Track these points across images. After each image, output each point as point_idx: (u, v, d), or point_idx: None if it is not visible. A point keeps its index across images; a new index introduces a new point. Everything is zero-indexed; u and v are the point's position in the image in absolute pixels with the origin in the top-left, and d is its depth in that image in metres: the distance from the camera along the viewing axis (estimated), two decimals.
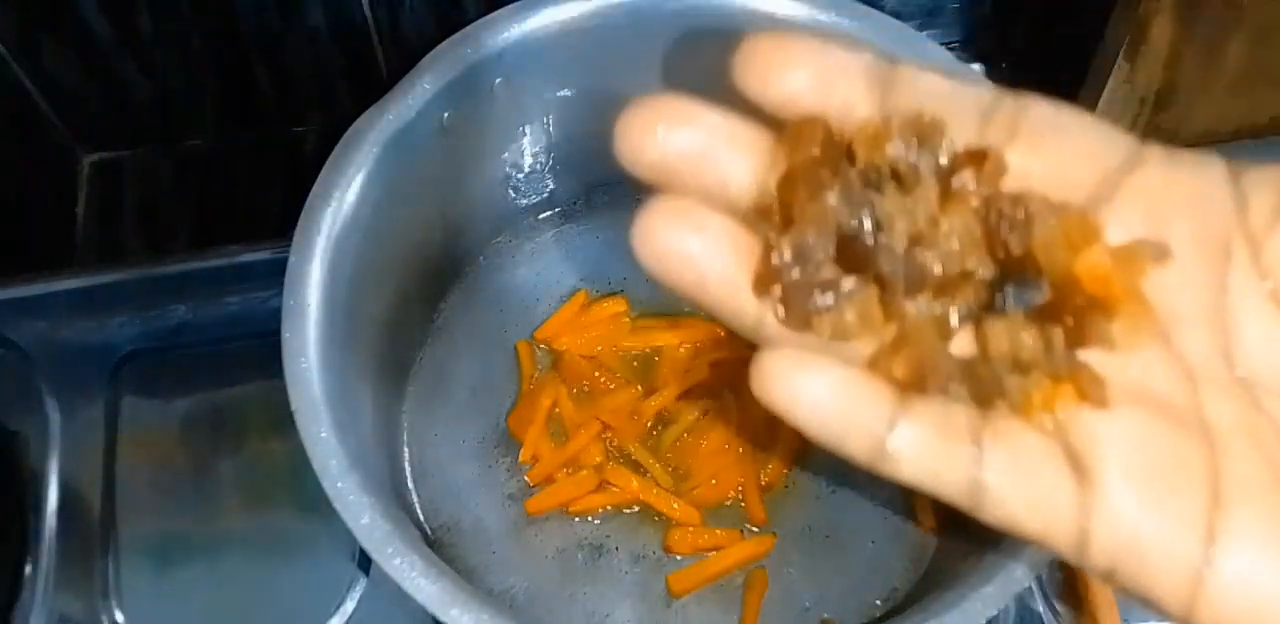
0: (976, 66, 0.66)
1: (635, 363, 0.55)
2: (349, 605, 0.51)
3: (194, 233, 0.63)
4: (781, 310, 0.26)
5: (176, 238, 0.63)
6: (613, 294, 0.57)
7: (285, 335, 0.42)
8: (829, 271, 0.26)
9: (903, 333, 0.26)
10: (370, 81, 0.62)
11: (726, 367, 0.54)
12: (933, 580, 0.49)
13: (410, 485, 0.52)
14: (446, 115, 0.48)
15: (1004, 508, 0.25)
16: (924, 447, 0.25)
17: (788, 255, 0.26)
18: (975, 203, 0.26)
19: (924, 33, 0.54)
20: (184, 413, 0.56)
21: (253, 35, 0.59)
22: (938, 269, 0.26)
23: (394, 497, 0.45)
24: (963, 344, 0.26)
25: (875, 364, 0.26)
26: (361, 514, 0.40)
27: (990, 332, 0.26)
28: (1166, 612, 0.24)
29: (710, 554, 0.51)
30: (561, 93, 0.51)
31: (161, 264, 0.58)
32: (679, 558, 0.51)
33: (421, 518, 0.52)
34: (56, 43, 0.58)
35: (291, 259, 0.44)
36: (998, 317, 0.26)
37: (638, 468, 0.53)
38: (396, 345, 0.53)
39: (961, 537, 0.49)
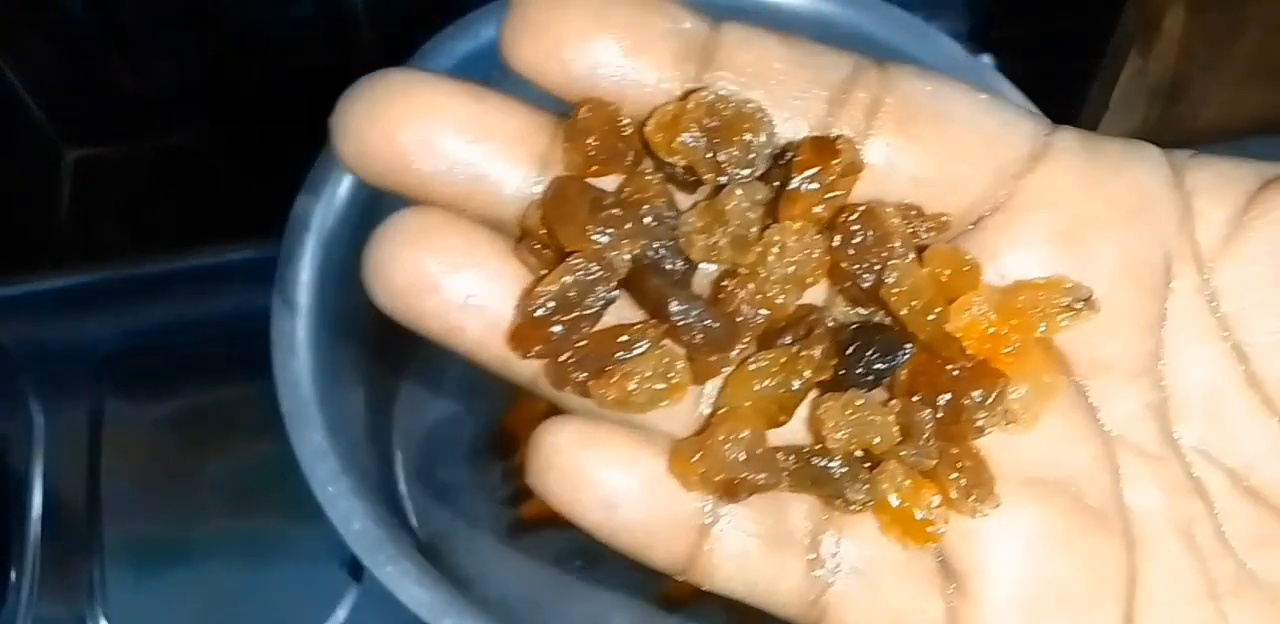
0: (985, 58, 0.65)
1: None
2: (340, 614, 0.50)
3: (180, 230, 0.63)
4: (551, 374, 0.20)
5: (161, 235, 0.63)
6: None
7: (274, 336, 0.42)
8: (611, 321, 0.20)
9: (707, 422, 0.20)
10: (362, 75, 0.61)
11: None
12: None
13: (403, 490, 0.52)
14: None
15: None
16: (747, 557, 0.20)
17: (549, 300, 0.19)
18: (820, 215, 0.19)
19: (931, 24, 0.53)
20: (170, 414, 0.56)
21: (240, 28, 0.59)
22: (756, 315, 0.20)
23: (386, 501, 0.44)
24: (799, 426, 0.20)
25: (672, 465, 0.19)
26: (352, 520, 0.39)
27: (827, 414, 0.19)
28: None
29: None
30: None
31: (146, 262, 0.57)
32: None
33: (414, 523, 0.51)
34: (39, 35, 0.57)
35: (280, 257, 0.43)
36: (840, 390, 0.20)
37: None
38: (388, 345, 0.52)
39: None
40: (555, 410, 0.56)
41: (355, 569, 0.51)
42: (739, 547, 0.20)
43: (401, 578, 0.38)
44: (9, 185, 0.63)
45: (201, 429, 0.55)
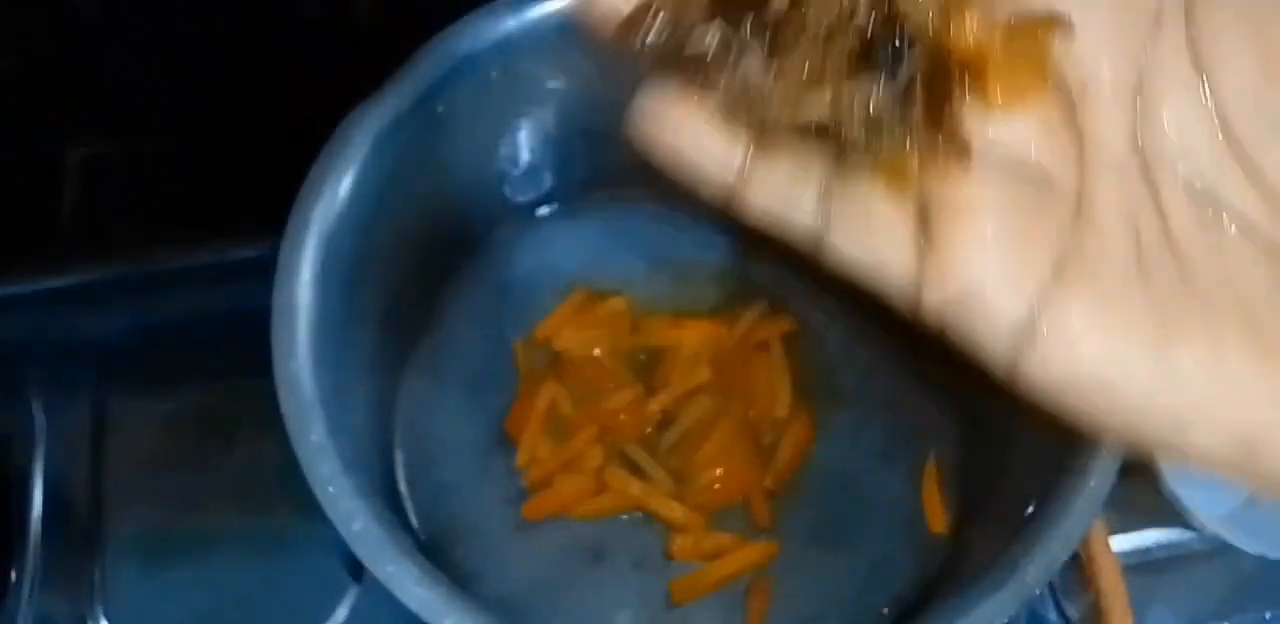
0: None
1: (636, 363, 0.54)
2: (341, 613, 0.50)
3: (183, 229, 0.62)
4: (647, 46, 0.24)
5: (165, 234, 0.62)
6: (612, 292, 0.56)
7: (275, 335, 0.42)
8: (700, 17, 0.24)
9: (771, 77, 0.24)
10: (364, 72, 0.61)
11: (730, 367, 0.54)
12: (942, 586, 0.48)
13: (403, 489, 0.52)
14: (441, 108, 0.47)
15: (842, 256, 0.25)
16: (773, 190, 0.25)
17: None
18: None
19: None
20: (172, 413, 0.56)
21: (244, 25, 0.59)
22: (812, 22, 0.24)
23: (386, 501, 0.44)
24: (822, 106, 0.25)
25: (727, 107, 0.25)
26: (353, 519, 0.39)
27: (844, 90, 0.24)
28: (994, 369, 0.23)
29: (713, 560, 0.50)
30: (561, 85, 0.50)
31: (149, 261, 0.58)
32: (681, 564, 0.50)
33: (415, 523, 0.51)
34: (42, 33, 0.57)
35: (281, 255, 0.43)
36: (859, 76, 0.24)
37: (638, 471, 0.52)
38: (389, 344, 0.52)
39: (972, 541, 0.48)
40: (553, 413, 0.56)
41: (356, 568, 0.51)
42: (768, 183, 0.25)
43: (402, 578, 0.38)
44: (12, 184, 0.62)
45: (204, 427, 0.55)
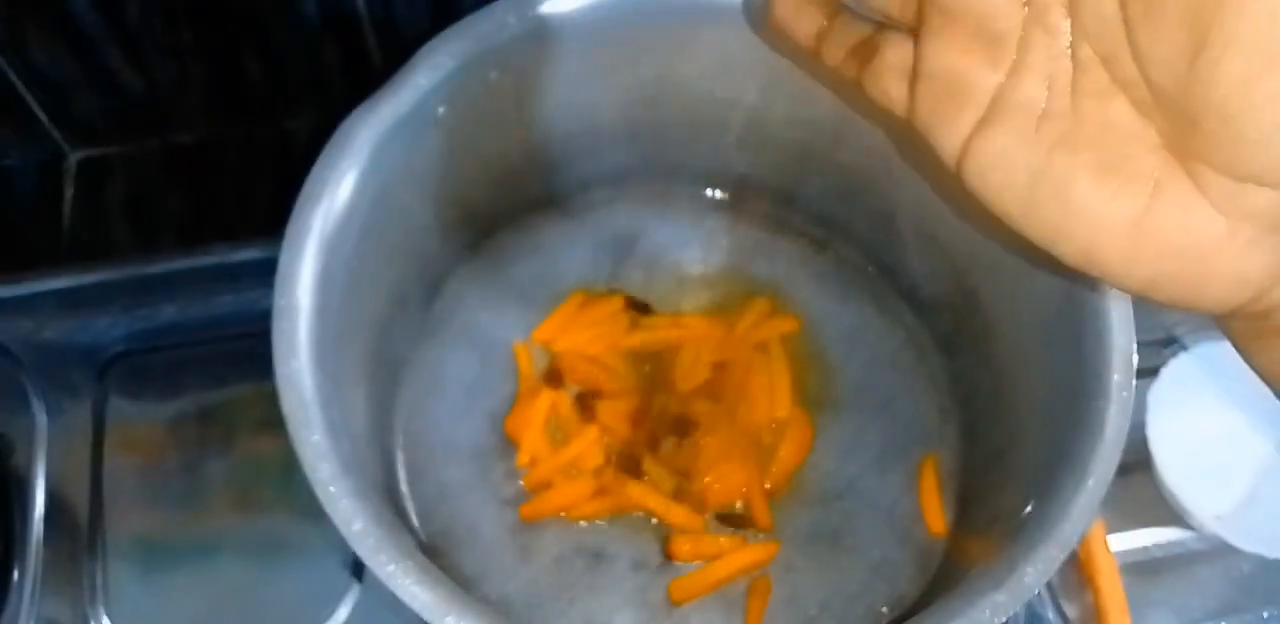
0: None
1: (636, 363, 0.55)
2: (342, 612, 0.51)
3: (183, 230, 0.63)
4: None
5: (165, 236, 0.63)
6: (612, 292, 0.56)
7: (275, 336, 0.41)
8: None
9: None
10: (363, 75, 0.61)
11: (730, 367, 0.54)
12: (941, 587, 0.48)
13: (404, 489, 0.52)
14: (441, 110, 0.47)
15: (870, 95, 0.34)
16: (835, 54, 0.36)
17: None
18: None
19: None
20: (173, 414, 0.56)
21: (243, 27, 0.59)
22: None
23: (387, 501, 0.44)
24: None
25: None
26: (353, 520, 0.39)
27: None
28: (945, 165, 0.32)
29: (713, 561, 0.50)
30: (559, 86, 0.50)
31: (150, 263, 0.57)
32: (680, 564, 0.51)
33: (415, 523, 0.51)
34: (44, 36, 0.57)
35: (282, 257, 0.43)
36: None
37: (638, 472, 0.52)
38: (390, 346, 0.52)
39: (971, 541, 0.48)
40: (553, 414, 0.56)
41: (357, 568, 0.51)
42: (833, 49, 0.36)
43: (403, 577, 0.38)
44: (13, 186, 0.63)
45: (204, 429, 0.55)
